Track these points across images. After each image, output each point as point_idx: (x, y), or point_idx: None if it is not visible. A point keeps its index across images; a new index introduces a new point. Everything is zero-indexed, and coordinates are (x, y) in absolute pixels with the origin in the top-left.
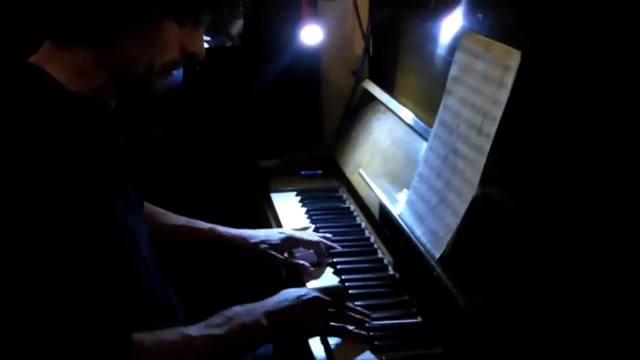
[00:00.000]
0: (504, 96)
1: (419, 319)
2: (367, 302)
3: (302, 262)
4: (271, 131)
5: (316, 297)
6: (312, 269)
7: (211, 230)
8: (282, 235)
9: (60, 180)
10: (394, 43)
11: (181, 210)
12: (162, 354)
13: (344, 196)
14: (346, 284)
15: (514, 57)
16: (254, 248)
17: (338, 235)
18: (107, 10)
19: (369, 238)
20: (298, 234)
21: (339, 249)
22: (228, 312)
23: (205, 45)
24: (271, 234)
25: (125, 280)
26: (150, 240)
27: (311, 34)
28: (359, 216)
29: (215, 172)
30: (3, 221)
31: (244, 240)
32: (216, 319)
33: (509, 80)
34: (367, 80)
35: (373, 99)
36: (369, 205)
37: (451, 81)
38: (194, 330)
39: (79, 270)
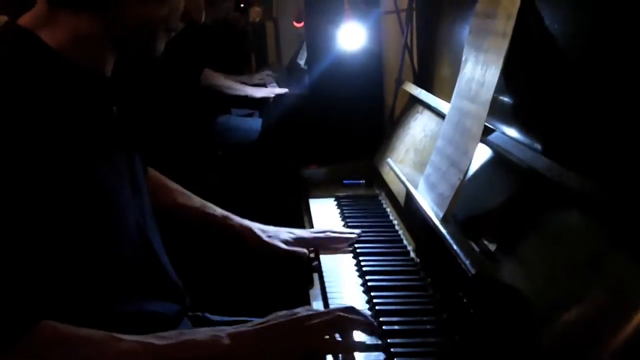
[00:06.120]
0: (505, 44)
1: (430, 291)
2: (380, 277)
3: (301, 250)
4: (331, 143)
5: (305, 315)
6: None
7: (223, 217)
8: (292, 235)
9: (21, 138)
10: (434, 45)
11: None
12: (75, 344)
13: (383, 200)
14: (361, 263)
15: (515, 4)
16: (259, 240)
17: (366, 228)
18: None
19: (397, 231)
20: (307, 235)
21: (356, 235)
22: (186, 330)
23: (283, 91)
24: (280, 231)
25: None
26: (151, 219)
27: (356, 36)
28: (392, 214)
29: (261, 179)
30: None
31: (251, 231)
32: (167, 332)
33: (510, 28)
34: (407, 83)
35: (413, 102)
36: (398, 197)
37: (467, 49)
38: (129, 335)
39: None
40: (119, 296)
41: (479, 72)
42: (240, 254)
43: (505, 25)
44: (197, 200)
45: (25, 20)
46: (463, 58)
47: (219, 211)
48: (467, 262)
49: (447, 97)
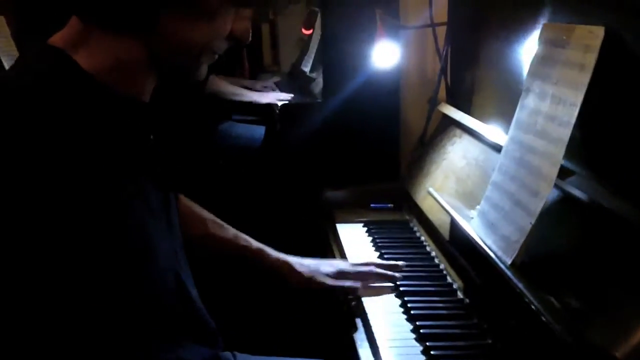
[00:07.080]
0: (585, 78)
1: (489, 341)
2: (432, 323)
3: (348, 283)
4: (344, 162)
5: None
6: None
7: (259, 250)
8: (332, 269)
9: (53, 172)
10: (473, 64)
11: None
12: None
13: (415, 228)
14: (408, 305)
15: (596, 35)
16: (301, 277)
17: (404, 261)
18: None
19: (438, 265)
20: (349, 268)
21: (398, 276)
22: None
23: (285, 102)
24: (320, 264)
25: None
26: (184, 258)
27: (387, 54)
28: (429, 245)
29: (282, 203)
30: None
31: (291, 267)
32: None
33: (591, 61)
34: (444, 104)
35: (448, 124)
36: (439, 228)
37: (529, 78)
38: None
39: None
40: (157, 345)
41: (547, 105)
42: (273, 290)
43: (582, 57)
44: (230, 231)
45: (58, 40)
46: (524, 87)
47: (254, 244)
48: (559, 328)
49: (487, 122)
